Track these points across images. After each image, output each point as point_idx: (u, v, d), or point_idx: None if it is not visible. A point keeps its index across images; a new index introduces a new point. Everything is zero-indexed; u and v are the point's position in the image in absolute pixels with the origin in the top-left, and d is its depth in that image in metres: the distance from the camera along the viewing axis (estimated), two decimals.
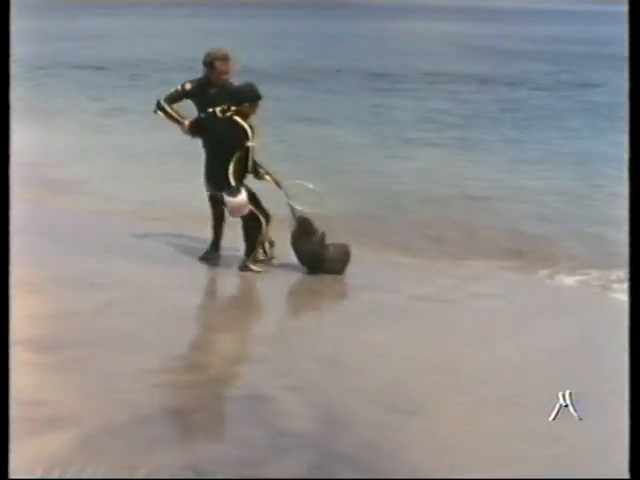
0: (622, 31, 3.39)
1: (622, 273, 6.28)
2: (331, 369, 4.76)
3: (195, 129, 6.52)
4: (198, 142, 6.59)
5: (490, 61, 27.55)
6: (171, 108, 6.68)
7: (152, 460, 3.65)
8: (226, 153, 6.27)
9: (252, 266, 6.54)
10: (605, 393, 4.28)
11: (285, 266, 6.63)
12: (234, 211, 6.39)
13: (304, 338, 5.41)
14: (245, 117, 6.28)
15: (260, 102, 6.33)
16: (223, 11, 58.94)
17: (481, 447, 3.91)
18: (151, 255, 6.86)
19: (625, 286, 4.54)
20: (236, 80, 6.69)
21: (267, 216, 6.51)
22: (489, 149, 12.58)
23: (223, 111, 6.29)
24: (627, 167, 3.13)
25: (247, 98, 6.31)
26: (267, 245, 6.66)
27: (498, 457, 3.85)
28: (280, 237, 6.63)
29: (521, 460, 3.82)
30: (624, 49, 3.22)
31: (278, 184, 6.61)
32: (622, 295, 5.82)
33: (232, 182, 6.28)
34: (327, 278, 6.48)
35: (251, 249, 6.54)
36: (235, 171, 6.29)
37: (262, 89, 6.40)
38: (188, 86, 6.70)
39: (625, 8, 3.27)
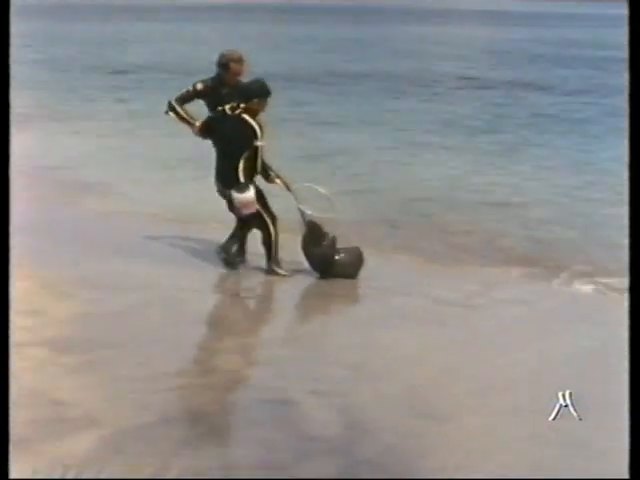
0: None
1: None
2: (354, 374, 4.76)
3: (206, 130, 6.51)
4: None
5: (518, 66, 27.41)
6: (182, 109, 6.68)
7: (174, 462, 3.66)
8: (235, 152, 6.26)
9: (277, 269, 6.53)
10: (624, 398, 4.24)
11: (303, 270, 6.61)
12: (241, 208, 6.35)
13: (328, 342, 5.41)
14: (254, 115, 6.26)
15: (269, 99, 6.31)
16: (242, 15, 59.11)
17: (502, 453, 3.90)
18: (174, 258, 6.89)
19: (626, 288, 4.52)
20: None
21: (273, 217, 6.48)
22: (514, 155, 12.51)
23: (232, 108, 6.28)
24: (628, 169, 3.10)
25: (255, 94, 6.29)
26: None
27: (516, 463, 3.83)
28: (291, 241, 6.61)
29: (540, 467, 3.81)
30: None
31: (288, 187, 6.59)
32: None
33: (242, 179, 6.26)
34: (348, 282, 6.47)
35: (269, 253, 6.53)
36: (245, 170, 6.26)
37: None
38: (199, 86, 6.69)
39: (625, 11, 3.23)
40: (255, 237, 6.65)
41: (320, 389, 4.50)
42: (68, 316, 5.37)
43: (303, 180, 6.78)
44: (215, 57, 6.83)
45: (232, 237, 6.66)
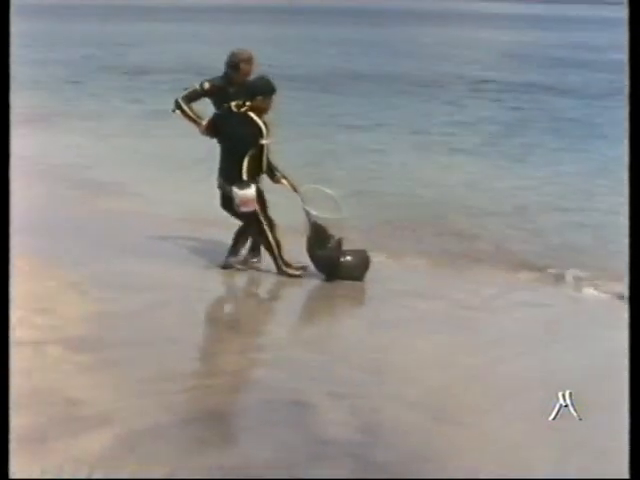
0: None
1: None
2: (371, 376, 4.74)
3: (212, 129, 6.49)
4: None
5: (539, 69, 27.31)
6: (189, 108, 6.67)
7: (188, 462, 3.66)
8: (241, 149, 6.24)
9: (288, 270, 6.50)
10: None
11: (316, 272, 6.60)
12: (241, 204, 6.32)
13: (344, 344, 5.39)
14: (261, 113, 6.25)
15: (274, 96, 6.29)
16: (258, 17, 59.25)
17: (521, 456, 3.88)
18: (188, 258, 6.91)
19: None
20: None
21: (271, 223, 6.45)
22: (533, 159, 12.45)
23: (238, 106, 6.27)
24: (627, 173, 3.05)
25: (260, 91, 6.27)
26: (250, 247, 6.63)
27: (536, 465, 3.81)
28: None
29: (562, 469, 3.79)
30: None
31: (294, 188, 6.56)
32: None
33: (245, 178, 6.24)
34: (362, 285, 6.47)
35: (273, 258, 6.51)
36: (249, 168, 6.24)
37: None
38: (207, 85, 6.67)
39: (625, 14, 3.18)
40: None
41: (336, 391, 4.48)
42: (83, 315, 5.39)
43: (314, 181, 6.76)
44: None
45: (235, 246, 6.63)
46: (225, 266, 6.62)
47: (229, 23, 50.20)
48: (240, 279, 6.60)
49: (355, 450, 3.86)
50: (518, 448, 3.95)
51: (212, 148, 7.31)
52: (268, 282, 6.58)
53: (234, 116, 6.28)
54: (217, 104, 6.62)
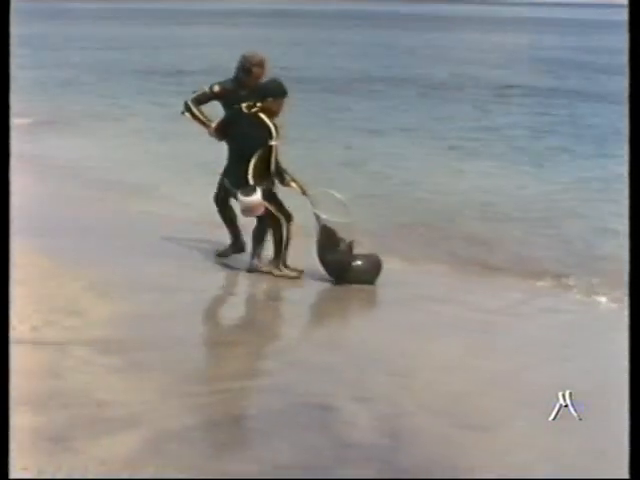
0: None
1: None
2: (397, 381, 4.75)
3: (221, 131, 6.51)
4: None
5: (564, 74, 27.16)
6: (198, 110, 6.68)
7: (214, 465, 3.69)
8: (249, 150, 6.24)
9: (286, 270, 6.53)
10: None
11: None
12: (246, 211, 6.35)
13: (369, 348, 5.37)
14: (271, 115, 6.25)
15: (286, 99, 6.30)
16: (279, 21, 59.26)
17: (545, 462, 3.88)
18: (209, 260, 6.91)
19: None
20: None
21: (288, 216, 6.46)
22: (556, 165, 12.39)
23: (249, 107, 6.28)
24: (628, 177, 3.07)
25: (271, 93, 6.28)
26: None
27: (559, 472, 3.80)
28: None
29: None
30: None
31: (304, 191, 6.55)
32: None
33: (250, 181, 6.24)
34: (381, 289, 6.48)
35: (278, 253, 6.53)
36: (256, 169, 6.23)
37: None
38: (217, 88, 6.67)
39: (625, 17, 3.19)
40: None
41: (362, 395, 4.50)
42: (112, 317, 5.42)
43: (327, 186, 6.73)
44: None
45: (255, 248, 6.62)
46: (250, 269, 6.65)
47: (248, 26, 50.31)
48: (265, 282, 6.59)
49: (379, 454, 3.87)
50: (542, 455, 3.95)
51: None
52: (288, 286, 6.56)
53: (244, 117, 6.29)
54: (227, 107, 6.62)
